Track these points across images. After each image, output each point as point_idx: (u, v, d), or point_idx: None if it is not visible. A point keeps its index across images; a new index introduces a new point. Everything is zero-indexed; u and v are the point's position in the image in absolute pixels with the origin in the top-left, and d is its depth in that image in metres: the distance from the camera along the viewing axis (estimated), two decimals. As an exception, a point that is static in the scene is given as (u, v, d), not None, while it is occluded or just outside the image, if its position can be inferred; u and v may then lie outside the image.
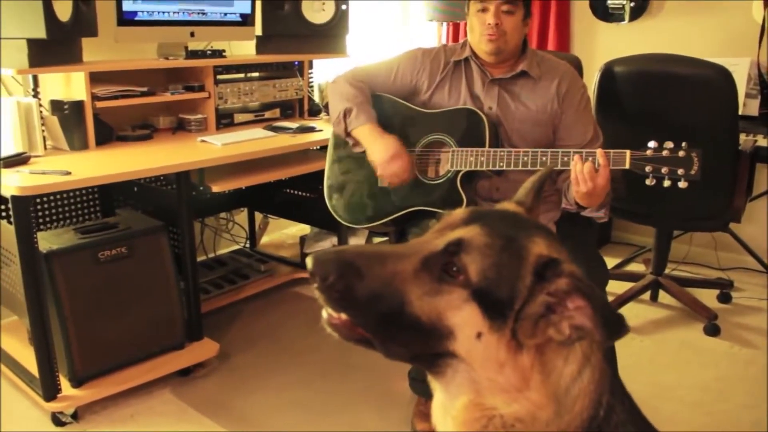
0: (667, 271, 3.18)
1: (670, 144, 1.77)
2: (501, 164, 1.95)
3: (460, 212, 0.92)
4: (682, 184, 1.77)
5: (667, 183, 1.78)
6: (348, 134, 2.12)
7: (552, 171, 1.10)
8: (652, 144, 1.79)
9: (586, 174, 1.76)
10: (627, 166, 1.80)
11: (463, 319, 0.83)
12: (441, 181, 2.06)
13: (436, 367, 0.88)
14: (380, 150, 2.03)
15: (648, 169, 1.79)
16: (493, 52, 2.02)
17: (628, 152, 1.80)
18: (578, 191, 1.80)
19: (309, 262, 0.81)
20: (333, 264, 0.81)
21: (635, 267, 3.59)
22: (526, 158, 1.92)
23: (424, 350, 0.86)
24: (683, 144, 1.77)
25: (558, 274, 0.83)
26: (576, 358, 0.85)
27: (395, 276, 0.83)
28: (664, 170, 1.77)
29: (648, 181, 1.80)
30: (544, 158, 1.89)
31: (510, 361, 0.83)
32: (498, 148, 1.98)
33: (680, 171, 1.76)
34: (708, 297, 3.17)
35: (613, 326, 0.79)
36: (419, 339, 0.84)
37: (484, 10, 2.00)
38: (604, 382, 0.88)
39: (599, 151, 1.79)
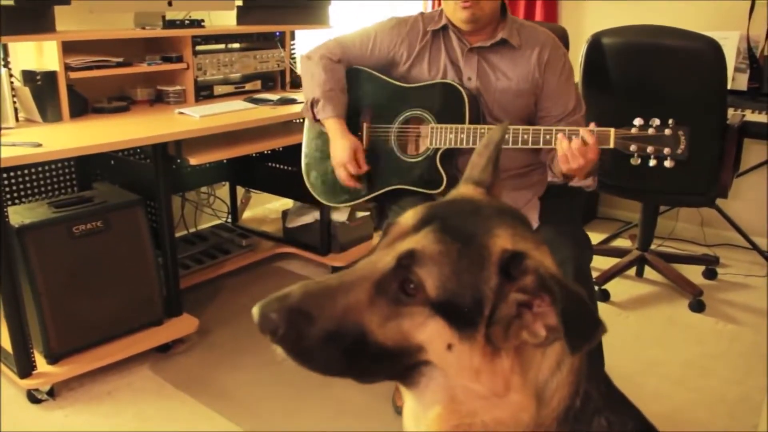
0: (653, 246, 3.17)
1: (656, 121, 1.71)
2: None
3: (409, 217, 0.84)
4: (668, 164, 1.71)
5: (652, 162, 1.72)
6: (317, 120, 2.10)
7: (503, 136, 1.00)
8: (637, 121, 1.72)
9: (576, 151, 1.71)
10: (611, 145, 1.74)
11: (430, 335, 0.77)
12: (420, 159, 2.00)
13: (409, 378, 0.82)
14: (335, 152, 2.04)
15: (633, 148, 1.73)
16: (468, 20, 1.93)
17: (612, 130, 1.74)
18: (568, 168, 1.75)
19: (255, 314, 0.76)
20: (279, 314, 0.75)
21: (621, 242, 3.58)
22: (507, 136, 1.85)
23: (398, 368, 0.81)
24: (670, 121, 1.70)
25: (524, 271, 0.75)
26: (554, 350, 0.80)
27: (349, 310, 0.77)
28: (649, 149, 1.71)
29: (633, 161, 1.74)
30: (525, 136, 1.83)
31: (486, 367, 0.77)
32: (478, 125, 1.92)
33: (666, 150, 1.70)
34: (694, 273, 3.16)
35: (583, 328, 0.70)
36: (390, 362, 0.79)
37: None
38: (582, 369, 0.83)
39: (583, 130, 1.73)
